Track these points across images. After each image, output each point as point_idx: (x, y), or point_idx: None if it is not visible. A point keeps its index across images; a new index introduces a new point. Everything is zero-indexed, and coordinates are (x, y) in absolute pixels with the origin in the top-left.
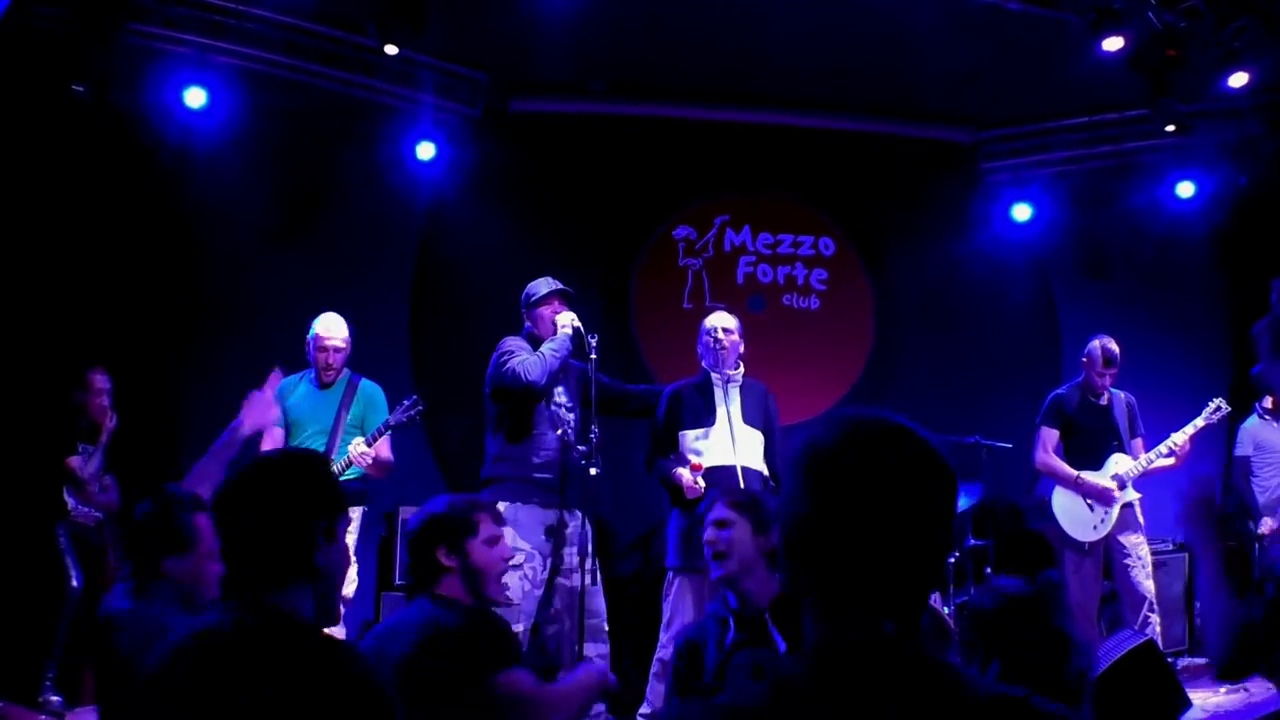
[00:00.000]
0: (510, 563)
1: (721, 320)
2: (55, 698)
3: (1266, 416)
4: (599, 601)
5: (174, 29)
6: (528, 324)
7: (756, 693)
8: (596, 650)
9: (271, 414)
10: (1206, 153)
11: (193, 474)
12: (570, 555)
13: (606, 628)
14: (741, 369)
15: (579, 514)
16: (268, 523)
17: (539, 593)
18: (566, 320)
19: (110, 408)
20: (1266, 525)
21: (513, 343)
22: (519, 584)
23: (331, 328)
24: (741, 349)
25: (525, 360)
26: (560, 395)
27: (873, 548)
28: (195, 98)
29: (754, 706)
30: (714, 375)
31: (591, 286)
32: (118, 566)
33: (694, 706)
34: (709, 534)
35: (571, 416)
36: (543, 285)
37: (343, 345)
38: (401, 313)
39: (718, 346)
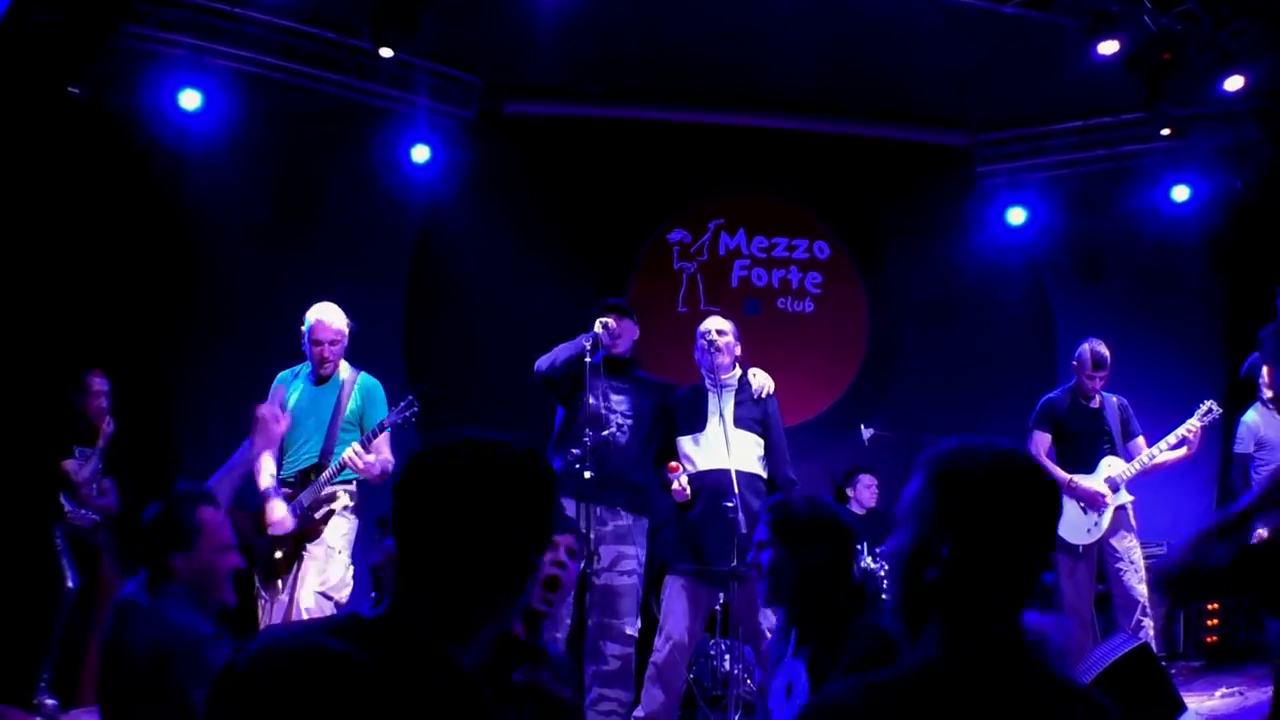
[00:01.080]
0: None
1: (715, 323)
2: (50, 700)
3: (1270, 406)
4: (625, 602)
5: (169, 31)
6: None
7: (897, 675)
8: (618, 650)
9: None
10: (1202, 156)
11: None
12: (605, 553)
13: (630, 631)
14: (737, 372)
15: (625, 515)
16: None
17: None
18: (598, 324)
19: (108, 410)
20: (1259, 536)
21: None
22: None
23: (326, 317)
24: (738, 351)
25: (544, 356)
26: (618, 401)
27: (1002, 566)
28: (190, 100)
29: (898, 685)
30: (708, 379)
31: (586, 290)
32: (115, 569)
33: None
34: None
35: (629, 423)
36: (600, 302)
37: (339, 337)
38: (396, 315)
39: (711, 349)
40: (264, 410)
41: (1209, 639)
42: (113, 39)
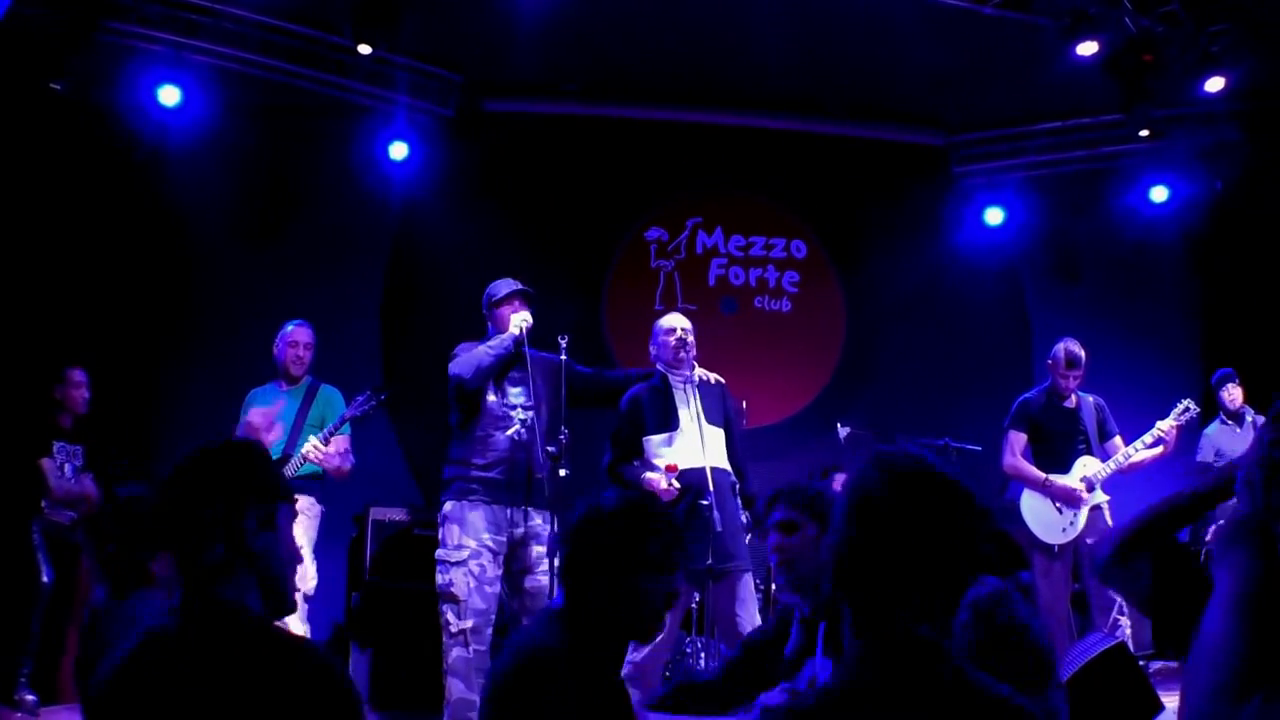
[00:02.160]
0: (453, 560)
1: (680, 321)
2: (30, 696)
3: (1229, 423)
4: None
5: (149, 27)
6: (490, 325)
7: (806, 697)
8: None
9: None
10: (1181, 158)
11: None
12: (533, 554)
13: None
14: (696, 370)
15: (546, 513)
16: (201, 509)
17: (492, 589)
18: (518, 320)
19: (88, 402)
20: (1212, 535)
21: (463, 347)
22: (464, 580)
23: (296, 326)
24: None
25: (461, 359)
26: (516, 395)
27: (910, 570)
28: (170, 96)
29: (806, 709)
30: (673, 377)
31: (563, 288)
32: (94, 566)
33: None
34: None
35: (529, 415)
36: (503, 286)
37: (312, 343)
38: (373, 312)
39: (681, 346)
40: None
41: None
42: (95, 34)
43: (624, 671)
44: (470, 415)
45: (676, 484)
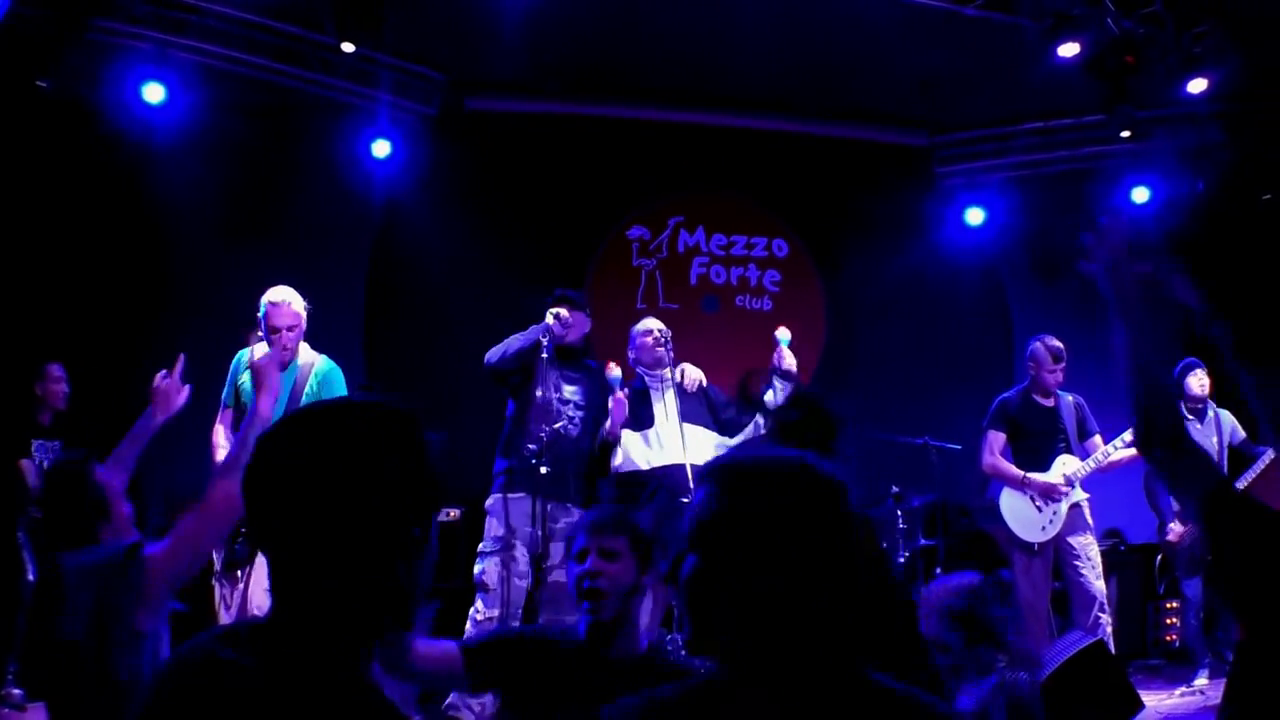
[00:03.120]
0: (488, 551)
1: (656, 323)
2: (16, 691)
3: (1190, 417)
4: None
5: (135, 25)
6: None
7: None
8: None
9: (181, 398)
10: (1163, 159)
11: (110, 459)
12: (556, 550)
13: None
14: (685, 372)
15: (575, 510)
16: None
17: (524, 583)
18: (552, 312)
19: (67, 396)
20: (1174, 532)
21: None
22: (495, 570)
23: (282, 298)
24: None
25: (494, 348)
26: (571, 393)
27: (764, 599)
28: (154, 93)
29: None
30: (650, 378)
31: (544, 286)
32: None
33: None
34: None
35: (579, 414)
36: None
37: (296, 321)
38: (356, 310)
39: (658, 346)
40: (161, 382)
41: (1169, 637)
42: (84, 32)
43: None
44: (517, 405)
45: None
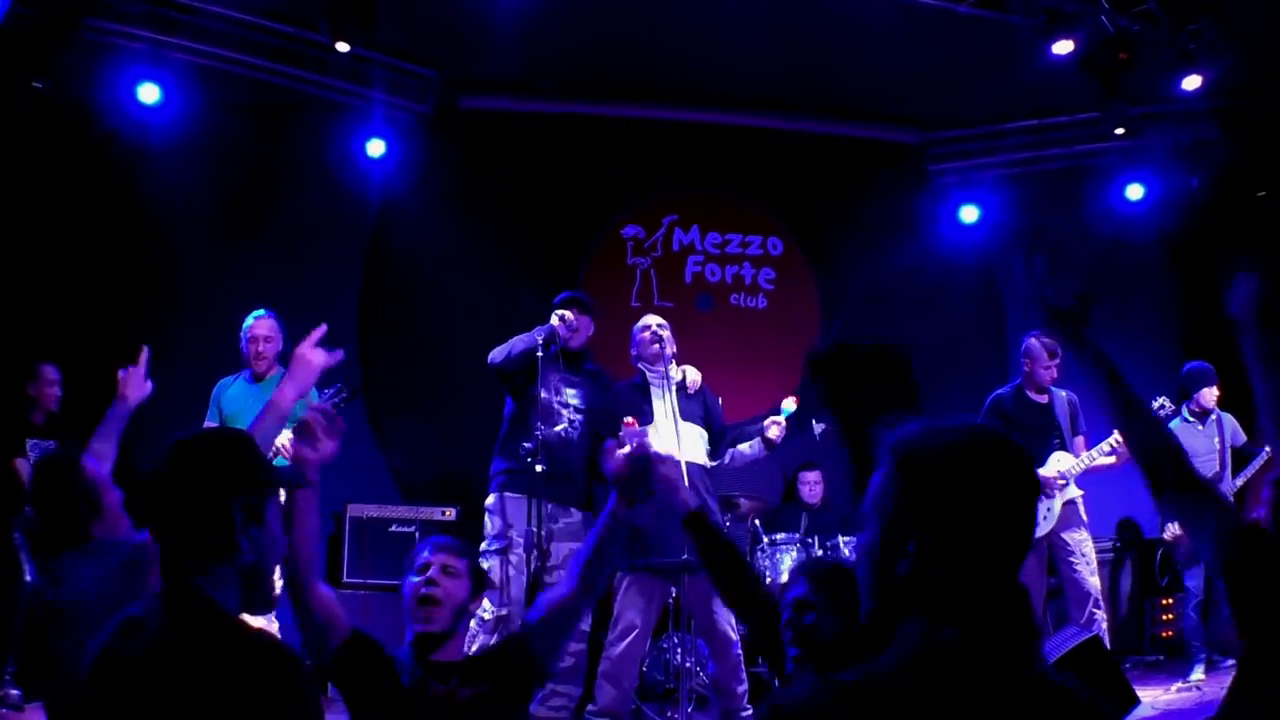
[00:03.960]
0: (493, 550)
1: (656, 320)
2: (14, 691)
3: (1191, 419)
4: None
5: (129, 24)
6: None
7: (873, 673)
8: (571, 646)
9: (147, 388)
10: (1157, 155)
11: (89, 452)
12: (556, 551)
13: (583, 627)
14: (686, 372)
15: (575, 512)
16: (188, 501)
17: (526, 580)
18: (557, 314)
19: (60, 398)
20: (1170, 531)
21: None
22: (500, 570)
23: (259, 314)
24: (673, 348)
25: (499, 347)
26: (571, 395)
27: (977, 553)
28: (149, 93)
29: (874, 684)
30: (651, 374)
31: (539, 285)
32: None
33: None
34: (431, 574)
35: (580, 417)
36: (564, 294)
37: (272, 334)
38: (350, 309)
39: (656, 342)
40: (123, 374)
41: (1165, 633)
42: (78, 32)
43: (601, 668)
44: (517, 406)
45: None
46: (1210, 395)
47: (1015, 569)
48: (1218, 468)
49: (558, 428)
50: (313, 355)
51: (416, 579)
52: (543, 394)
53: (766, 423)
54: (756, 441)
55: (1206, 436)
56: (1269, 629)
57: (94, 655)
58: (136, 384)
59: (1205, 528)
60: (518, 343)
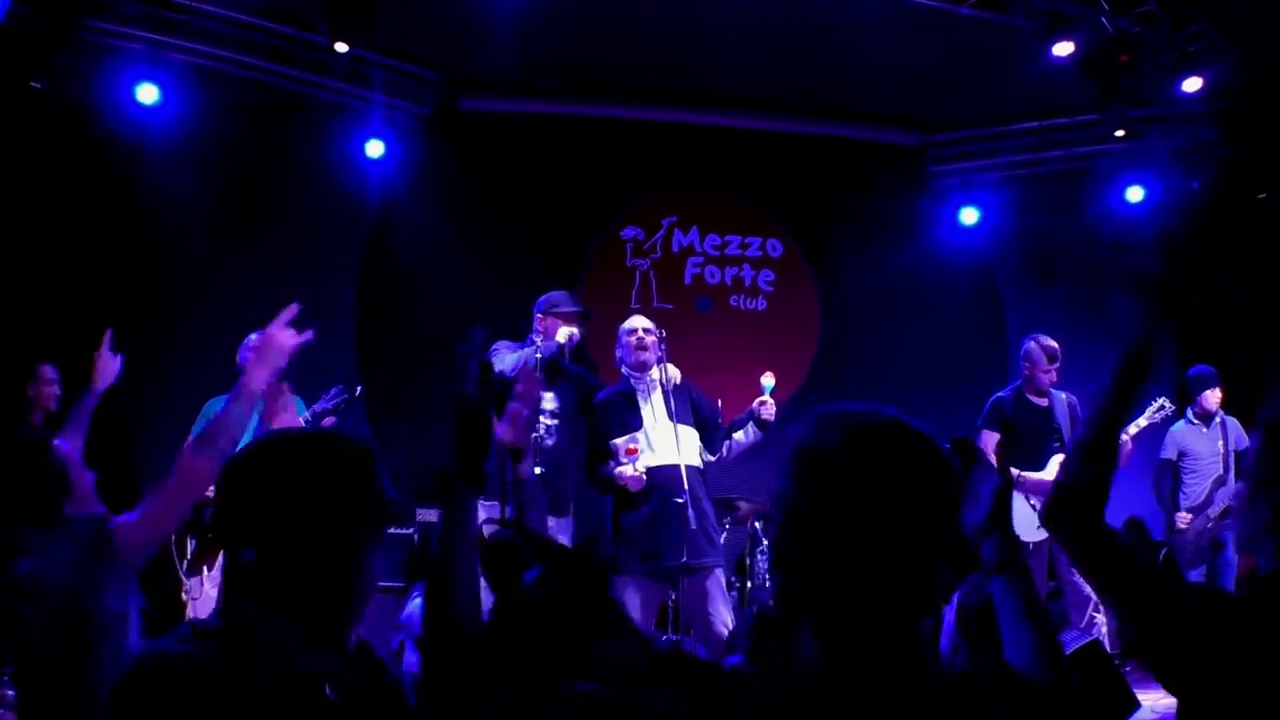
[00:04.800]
0: None
1: (642, 321)
2: (10, 692)
3: (1195, 422)
4: None
5: (128, 25)
6: (536, 327)
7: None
8: None
9: (114, 367)
10: (1158, 158)
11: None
12: None
13: None
14: (667, 373)
15: (564, 520)
16: (310, 532)
17: None
18: (565, 333)
19: (59, 399)
20: (1184, 520)
21: (501, 344)
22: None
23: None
24: (662, 351)
25: (502, 355)
26: (548, 400)
27: (878, 552)
28: (147, 94)
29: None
30: (635, 379)
31: (538, 286)
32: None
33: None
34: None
35: (555, 423)
36: (564, 303)
37: None
38: (348, 311)
39: (639, 346)
40: (101, 354)
41: None
42: (76, 32)
43: None
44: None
45: (643, 470)
46: (1213, 398)
47: (927, 582)
48: (1221, 471)
49: (533, 435)
50: (283, 336)
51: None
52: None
53: (755, 404)
54: (750, 427)
55: (1210, 439)
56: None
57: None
58: (103, 367)
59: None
60: (530, 356)
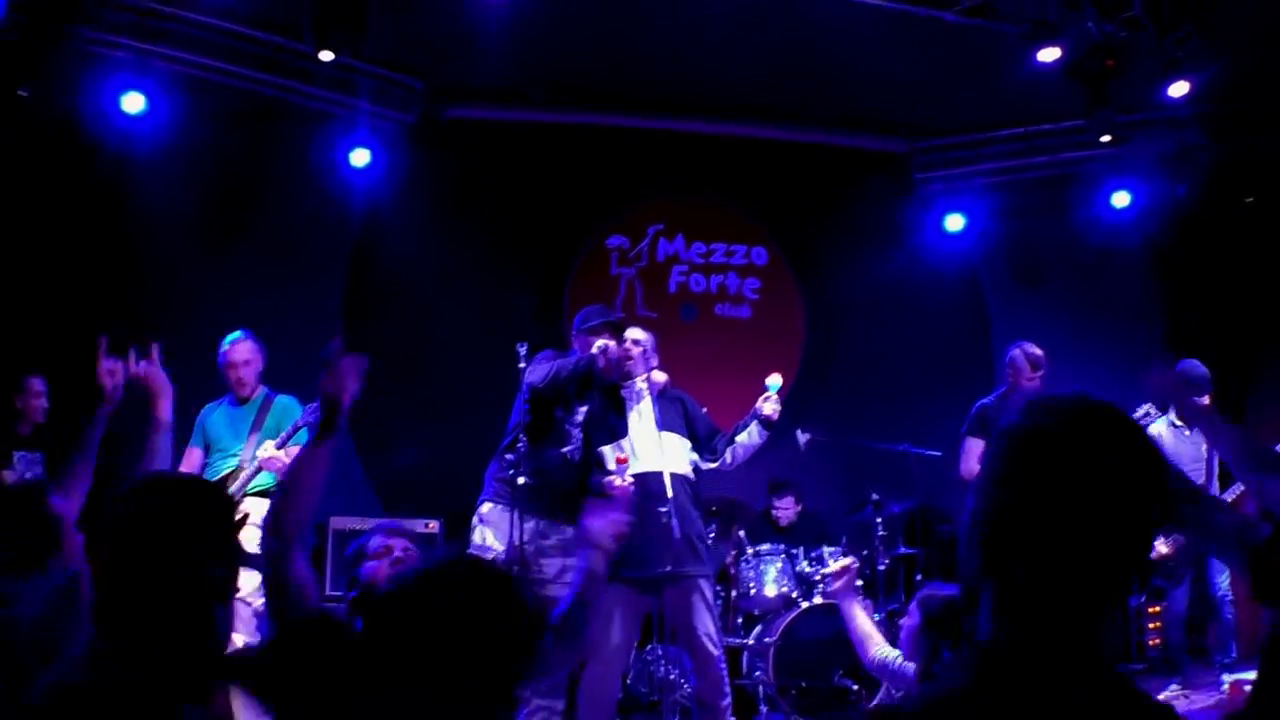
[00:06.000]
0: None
1: (631, 333)
2: None
3: (1179, 424)
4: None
5: (114, 33)
6: (575, 347)
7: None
8: None
9: (120, 377)
10: (1144, 163)
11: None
12: (549, 566)
13: None
14: (650, 378)
15: (568, 529)
16: (166, 560)
17: None
18: (600, 344)
19: (47, 411)
20: (1162, 547)
21: (543, 355)
22: None
23: (235, 336)
24: (654, 361)
25: (537, 366)
26: (580, 413)
27: (1080, 543)
28: (134, 103)
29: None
30: (622, 387)
31: (524, 295)
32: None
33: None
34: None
35: (578, 433)
36: (594, 315)
37: (251, 356)
38: (334, 319)
39: (625, 359)
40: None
41: (1152, 641)
42: (63, 40)
43: (582, 681)
44: (536, 422)
45: (630, 479)
46: (1202, 401)
47: (1121, 577)
48: (1203, 478)
49: (565, 449)
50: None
51: (377, 562)
52: (559, 413)
53: (759, 403)
54: (754, 426)
55: (1194, 444)
56: None
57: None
58: (110, 380)
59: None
60: (564, 369)
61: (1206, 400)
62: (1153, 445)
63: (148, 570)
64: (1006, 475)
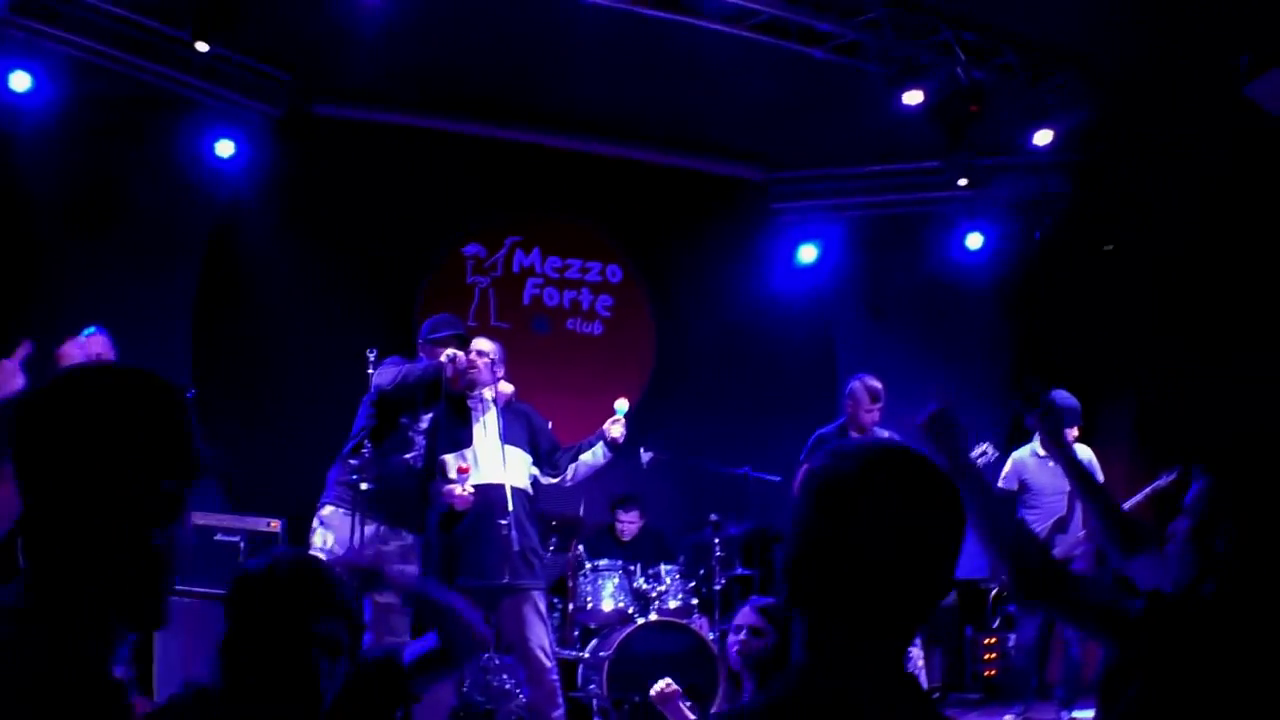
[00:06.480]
0: None
1: (476, 343)
2: None
3: (1043, 454)
4: (405, 620)
5: (13, 13)
6: (422, 356)
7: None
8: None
9: (17, 381)
10: (999, 206)
11: None
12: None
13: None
14: (498, 390)
15: (408, 536)
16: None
17: None
18: (448, 353)
19: None
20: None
21: (390, 360)
22: None
23: (89, 339)
24: (501, 372)
25: (384, 370)
26: (426, 421)
27: (881, 575)
28: (21, 81)
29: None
30: (469, 397)
31: (376, 298)
32: None
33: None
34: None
35: (422, 440)
36: (444, 327)
37: (101, 354)
38: (186, 310)
39: (470, 369)
40: (4, 362)
41: (988, 672)
42: None
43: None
44: (381, 427)
45: (471, 489)
46: (1069, 435)
47: (926, 601)
48: (1064, 511)
49: (407, 455)
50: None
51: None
52: (404, 419)
53: (606, 425)
54: (599, 446)
55: (1057, 475)
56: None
57: None
58: (7, 376)
59: (1098, 623)
60: (411, 374)
61: (1075, 433)
62: (951, 494)
63: None
64: (807, 513)
